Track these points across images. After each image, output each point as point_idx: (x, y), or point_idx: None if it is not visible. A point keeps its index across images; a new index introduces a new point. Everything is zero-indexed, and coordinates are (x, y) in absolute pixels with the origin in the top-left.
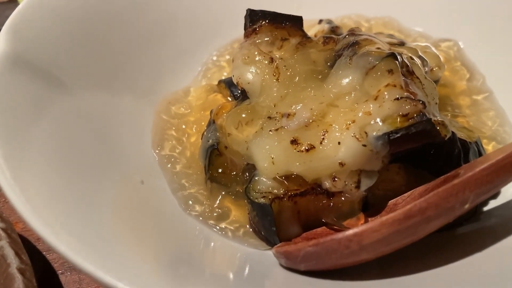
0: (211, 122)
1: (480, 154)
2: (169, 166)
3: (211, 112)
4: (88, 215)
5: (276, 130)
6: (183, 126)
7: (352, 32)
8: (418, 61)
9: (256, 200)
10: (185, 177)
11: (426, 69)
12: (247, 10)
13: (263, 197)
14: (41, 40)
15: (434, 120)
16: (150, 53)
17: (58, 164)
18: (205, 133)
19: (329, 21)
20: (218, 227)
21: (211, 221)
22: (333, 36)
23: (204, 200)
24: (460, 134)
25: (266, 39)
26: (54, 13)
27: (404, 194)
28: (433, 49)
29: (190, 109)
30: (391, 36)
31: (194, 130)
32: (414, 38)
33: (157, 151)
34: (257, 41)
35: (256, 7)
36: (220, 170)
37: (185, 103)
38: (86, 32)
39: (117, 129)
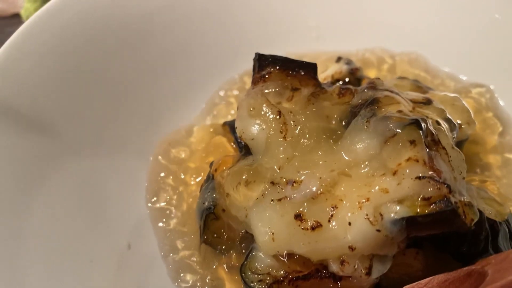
0: (210, 177)
1: (511, 235)
2: (162, 221)
3: (211, 164)
4: None
5: (279, 200)
6: (182, 175)
7: (372, 85)
8: (444, 126)
9: (251, 284)
10: (179, 237)
11: (454, 134)
12: (255, 54)
13: (260, 280)
14: (26, 83)
15: (461, 201)
16: (152, 87)
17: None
18: (203, 187)
19: (348, 61)
20: None
21: None
22: (350, 86)
23: (197, 268)
24: (489, 211)
25: (275, 88)
26: (43, 50)
27: (421, 281)
28: (463, 102)
29: (191, 154)
30: (416, 82)
31: (193, 181)
32: (442, 80)
33: (149, 204)
34: (265, 91)
35: (272, 37)
36: (216, 235)
37: (186, 146)
38: (78, 67)
39: (107, 179)
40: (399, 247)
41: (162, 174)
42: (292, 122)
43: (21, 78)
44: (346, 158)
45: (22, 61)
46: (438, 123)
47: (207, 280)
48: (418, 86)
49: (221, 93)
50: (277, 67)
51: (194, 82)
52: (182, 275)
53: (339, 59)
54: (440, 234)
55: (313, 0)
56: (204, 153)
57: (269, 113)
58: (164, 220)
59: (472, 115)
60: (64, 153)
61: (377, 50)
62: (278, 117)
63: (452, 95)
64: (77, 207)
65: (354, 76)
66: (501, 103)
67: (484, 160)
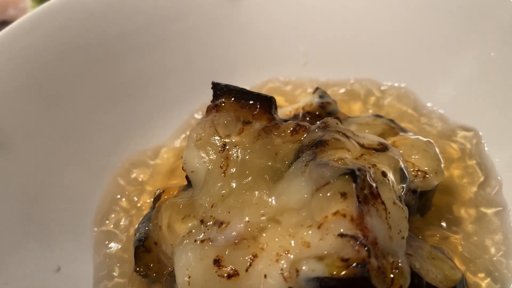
0: (153, 206)
1: None
2: (105, 245)
3: (155, 192)
4: None
5: (202, 242)
6: (135, 198)
7: (324, 125)
8: (391, 178)
9: None
10: (118, 263)
11: (403, 188)
12: (211, 83)
13: None
14: None
15: (391, 263)
16: (124, 107)
17: None
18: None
19: (322, 95)
20: None
21: None
22: (306, 124)
23: None
24: (434, 275)
25: (226, 119)
26: (9, 65)
27: None
28: (436, 149)
29: (151, 176)
30: (391, 122)
31: (145, 205)
32: (429, 119)
33: (96, 225)
34: (216, 121)
35: (259, 60)
36: (146, 267)
37: (149, 168)
38: (45, 83)
39: (56, 195)
40: None
41: (118, 196)
42: (235, 157)
43: None
44: (279, 203)
45: None
46: (384, 175)
47: None
48: (391, 126)
49: (197, 116)
50: (232, 98)
51: (172, 103)
52: None
53: (316, 89)
54: None
55: (303, 26)
56: (164, 176)
57: (214, 145)
58: (106, 243)
59: (443, 165)
60: (15, 166)
61: (366, 81)
62: (221, 150)
63: (425, 139)
64: (12, 220)
65: (325, 110)
66: (488, 151)
67: (455, 213)
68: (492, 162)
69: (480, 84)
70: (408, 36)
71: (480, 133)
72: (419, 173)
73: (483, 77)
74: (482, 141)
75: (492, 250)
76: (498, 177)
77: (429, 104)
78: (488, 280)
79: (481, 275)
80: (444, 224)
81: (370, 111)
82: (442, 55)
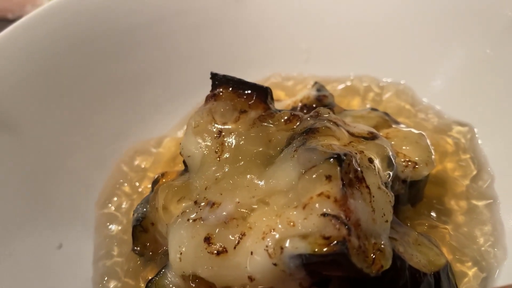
0: (152, 189)
1: None
2: (106, 226)
3: (155, 176)
4: None
5: (194, 221)
6: (137, 184)
7: (316, 114)
8: (377, 165)
9: None
10: (117, 243)
11: (389, 175)
12: (210, 73)
13: None
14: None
15: (373, 244)
16: (131, 97)
17: None
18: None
19: (320, 88)
20: None
21: None
22: (299, 113)
23: (121, 276)
24: (418, 260)
25: (223, 108)
26: (22, 53)
27: None
28: (428, 141)
29: (153, 164)
30: (385, 115)
31: (146, 190)
32: (426, 114)
33: (98, 208)
34: (213, 109)
35: (261, 56)
36: (143, 246)
37: (152, 156)
38: (56, 72)
39: (61, 178)
40: (301, 286)
41: (121, 181)
42: (230, 144)
43: None
44: (268, 185)
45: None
46: (371, 161)
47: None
48: (385, 119)
49: None
50: (230, 88)
51: (176, 96)
52: (105, 281)
53: (314, 84)
54: (352, 276)
55: (305, 23)
56: (165, 164)
57: (210, 132)
58: (107, 225)
59: (433, 156)
60: (25, 150)
61: (366, 78)
62: (217, 136)
63: (417, 132)
64: (20, 198)
65: (322, 103)
66: (482, 145)
67: (446, 205)
68: (485, 157)
69: (476, 81)
70: (407, 34)
71: (475, 129)
72: (409, 163)
73: (479, 74)
74: (476, 136)
75: (481, 241)
76: (491, 171)
77: (425, 100)
78: (475, 269)
79: (468, 264)
80: (434, 214)
81: (368, 105)
82: (440, 53)
